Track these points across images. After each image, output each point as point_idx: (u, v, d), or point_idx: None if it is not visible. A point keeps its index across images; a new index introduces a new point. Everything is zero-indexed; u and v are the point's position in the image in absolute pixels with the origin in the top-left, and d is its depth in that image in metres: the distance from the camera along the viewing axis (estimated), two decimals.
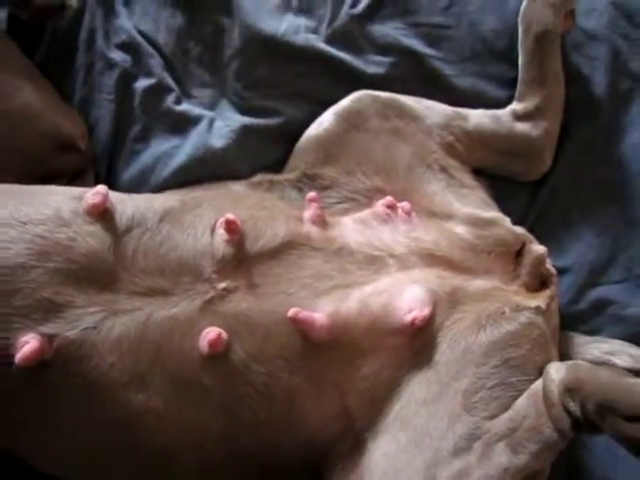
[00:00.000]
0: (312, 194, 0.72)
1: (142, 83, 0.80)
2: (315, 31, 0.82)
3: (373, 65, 0.82)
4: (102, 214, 0.62)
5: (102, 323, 0.59)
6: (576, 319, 0.81)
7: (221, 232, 0.64)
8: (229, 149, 0.78)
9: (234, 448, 0.61)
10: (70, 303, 0.58)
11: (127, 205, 0.64)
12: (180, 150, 0.78)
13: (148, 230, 0.63)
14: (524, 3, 0.84)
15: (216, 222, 0.65)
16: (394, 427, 0.62)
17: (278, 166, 0.79)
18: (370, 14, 0.83)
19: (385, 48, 0.83)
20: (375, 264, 0.67)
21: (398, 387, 0.64)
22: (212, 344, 0.59)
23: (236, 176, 0.78)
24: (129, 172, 0.79)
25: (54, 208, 0.62)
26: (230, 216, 0.64)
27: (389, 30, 0.83)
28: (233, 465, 0.62)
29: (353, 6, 0.83)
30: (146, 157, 0.79)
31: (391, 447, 0.62)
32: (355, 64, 0.81)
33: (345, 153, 0.75)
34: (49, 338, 0.57)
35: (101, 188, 0.63)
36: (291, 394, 0.62)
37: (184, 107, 0.80)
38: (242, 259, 0.63)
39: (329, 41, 0.82)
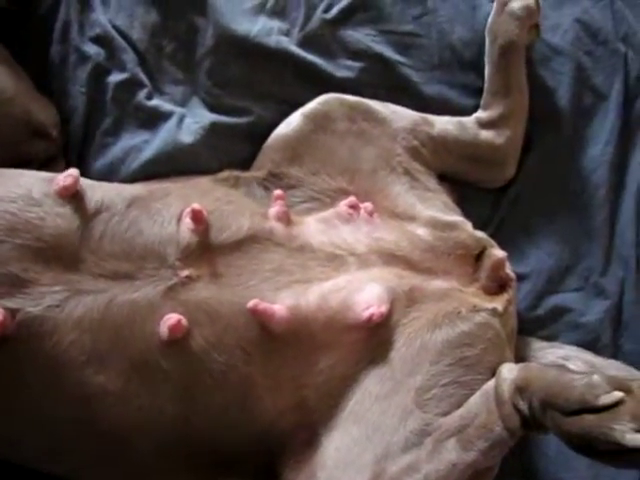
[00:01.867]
0: (278, 192, 0.74)
1: (115, 77, 0.81)
2: (287, 34, 0.84)
3: (343, 69, 0.84)
4: (72, 196, 0.64)
5: (65, 302, 0.60)
6: (534, 324, 0.83)
7: (187, 221, 0.65)
8: (198, 145, 0.80)
9: (189, 433, 0.63)
10: (36, 280, 0.60)
11: (96, 190, 0.66)
12: (149, 144, 0.80)
13: (116, 215, 0.65)
14: (491, 16, 0.87)
15: (182, 211, 0.66)
16: (348, 421, 0.64)
17: (245, 164, 0.81)
18: (342, 19, 0.85)
19: (356, 53, 0.85)
20: (335, 262, 0.69)
21: (354, 382, 0.65)
22: (172, 330, 0.60)
23: (204, 172, 0.80)
24: (99, 163, 0.80)
25: (25, 188, 0.64)
26: (196, 206, 0.66)
27: (360, 36, 0.85)
28: (188, 450, 0.63)
29: (326, 11, 0.85)
30: (116, 150, 0.80)
31: (344, 441, 0.63)
32: (325, 67, 0.84)
33: (311, 154, 0.77)
34: (12, 312, 0.58)
35: (73, 171, 0.66)
36: (247, 384, 0.63)
37: (155, 102, 0.82)
38: (206, 249, 0.65)
39: (301, 44, 0.84)
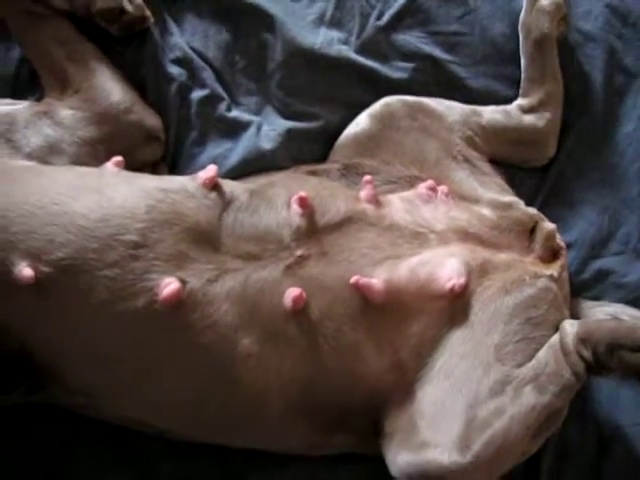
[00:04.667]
0: (368, 177, 0.88)
1: (197, 94, 0.95)
2: (346, 42, 0.98)
3: (398, 71, 0.98)
4: (213, 188, 0.80)
5: (217, 278, 0.76)
6: (581, 287, 0.98)
7: (295, 207, 0.80)
8: (276, 150, 0.94)
9: (310, 393, 0.78)
10: (196, 258, 0.75)
11: (224, 184, 0.82)
12: (233, 152, 0.94)
13: (242, 204, 0.80)
14: (523, 12, 1.01)
15: (290, 198, 0.81)
16: (439, 377, 0.79)
17: (318, 164, 0.95)
18: (393, 25, 0.99)
19: (408, 55, 0.99)
20: (419, 239, 0.84)
21: (440, 344, 0.80)
22: (295, 301, 0.75)
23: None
24: (189, 171, 0.92)
25: (179, 182, 0.80)
26: (302, 193, 0.81)
27: (411, 39, 0.99)
28: (308, 409, 0.79)
29: (378, 18, 0.99)
30: (203, 158, 0.94)
31: (437, 393, 0.78)
32: (382, 71, 0.98)
33: (381, 148, 0.92)
34: (183, 283, 0.74)
35: (212, 166, 0.82)
36: (355, 347, 0.78)
37: (234, 114, 0.96)
38: (313, 230, 0.80)
39: (359, 51, 0.98)
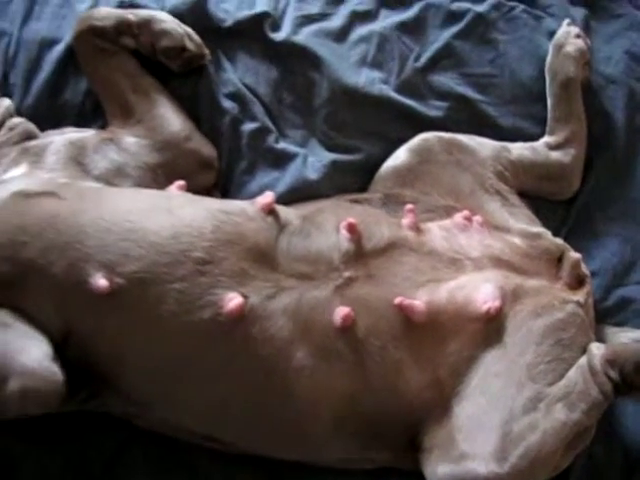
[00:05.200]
0: (410, 206, 0.95)
1: (248, 126, 1.04)
2: (386, 82, 1.07)
3: (433, 109, 1.07)
4: (270, 212, 0.87)
5: (275, 295, 0.83)
6: (605, 314, 1.04)
7: (344, 232, 0.88)
8: (321, 180, 1.02)
9: (355, 407, 0.84)
10: (257, 276, 0.83)
11: (279, 209, 0.89)
12: (281, 181, 1.02)
13: (296, 228, 0.88)
14: (549, 57, 1.10)
15: (339, 224, 0.88)
16: (475, 394, 0.85)
17: (360, 193, 1.02)
18: (430, 67, 1.08)
19: (443, 95, 1.08)
20: (456, 264, 0.91)
21: (476, 363, 0.87)
22: (344, 319, 0.82)
23: None
24: (239, 198, 1.00)
25: (239, 207, 0.88)
26: (351, 219, 0.88)
27: (445, 80, 1.08)
28: (351, 423, 0.85)
29: (416, 60, 1.08)
30: (253, 186, 1.02)
31: (474, 409, 0.84)
32: (419, 109, 1.06)
33: (420, 179, 1.00)
34: (245, 298, 0.81)
35: (269, 192, 0.90)
36: (397, 365, 0.84)
37: (282, 145, 1.04)
38: (360, 254, 0.87)
39: (398, 90, 1.06)
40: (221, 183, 1.03)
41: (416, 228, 0.93)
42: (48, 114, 1.04)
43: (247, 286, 0.82)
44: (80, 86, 1.05)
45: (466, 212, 0.96)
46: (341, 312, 0.83)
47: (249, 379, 0.82)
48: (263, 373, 0.82)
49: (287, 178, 1.02)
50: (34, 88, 1.04)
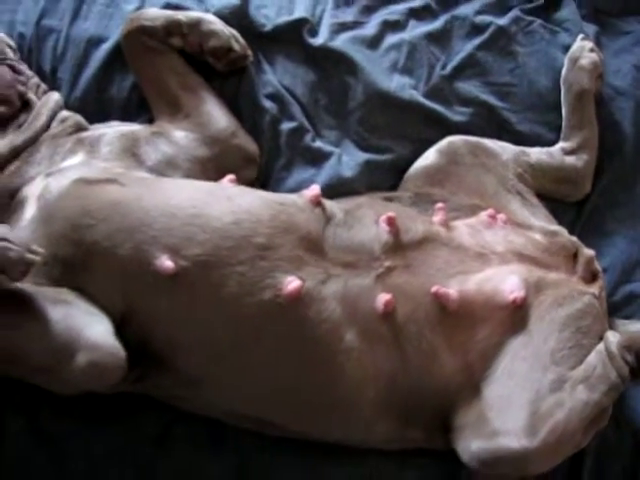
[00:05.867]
0: (440, 204, 1.03)
1: (286, 125, 1.11)
2: (416, 87, 1.15)
3: (458, 114, 1.15)
4: (317, 204, 0.95)
5: (325, 280, 0.90)
6: (613, 308, 1.12)
7: (383, 225, 0.95)
8: (356, 178, 1.10)
9: (395, 387, 0.91)
10: (310, 262, 0.90)
11: (324, 202, 0.97)
12: (317, 178, 1.10)
13: (340, 220, 0.95)
14: (564, 69, 1.20)
15: (378, 218, 0.96)
16: (503, 377, 0.93)
17: (391, 191, 1.10)
18: (455, 75, 1.17)
19: (467, 101, 1.16)
20: (482, 258, 0.99)
21: (503, 348, 0.95)
22: (386, 305, 0.90)
23: None
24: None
25: (290, 198, 0.95)
26: (391, 213, 0.96)
27: (469, 87, 1.17)
28: (391, 403, 0.92)
29: (443, 69, 1.17)
30: (290, 182, 1.10)
31: (503, 390, 0.92)
32: (445, 113, 1.15)
33: (447, 180, 1.08)
34: (302, 281, 0.88)
35: (315, 186, 0.97)
36: (432, 349, 0.92)
37: (318, 144, 1.12)
38: (398, 246, 0.95)
39: (426, 95, 1.15)
40: (261, 179, 1.10)
41: (446, 224, 1.02)
42: (95, 108, 1.10)
43: (302, 271, 0.89)
44: (126, 82, 1.12)
45: (491, 210, 1.05)
46: (383, 299, 0.91)
47: (302, 360, 0.89)
48: (315, 354, 0.89)
49: (323, 175, 1.09)
50: (81, 83, 1.11)
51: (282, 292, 0.87)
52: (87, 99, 1.10)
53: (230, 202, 0.91)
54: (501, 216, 1.05)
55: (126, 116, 1.11)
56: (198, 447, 0.99)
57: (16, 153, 0.97)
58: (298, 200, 0.96)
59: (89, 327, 0.84)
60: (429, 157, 1.09)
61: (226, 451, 0.99)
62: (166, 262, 0.86)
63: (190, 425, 0.99)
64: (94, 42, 1.12)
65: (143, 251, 0.87)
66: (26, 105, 1.02)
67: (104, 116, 1.09)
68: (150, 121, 1.10)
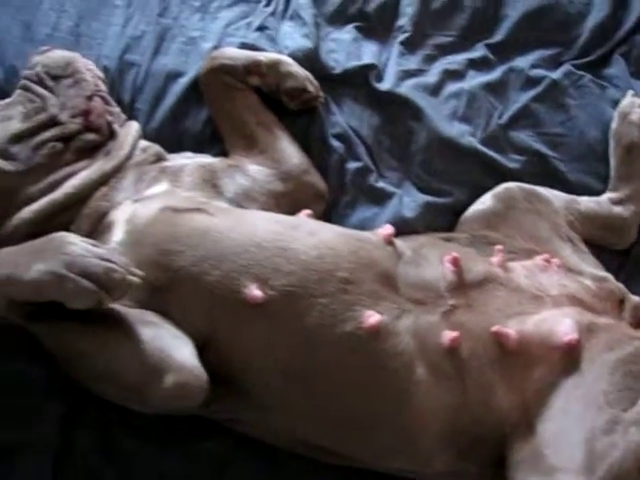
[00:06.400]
0: (500, 246, 1.10)
1: (352, 165, 1.18)
2: (474, 135, 1.22)
3: (512, 162, 1.22)
4: (389, 243, 1.01)
5: (400, 315, 0.96)
6: None
7: (447, 265, 1.01)
8: (416, 219, 1.16)
9: (455, 421, 0.96)
10: (386, 297, 0.96)
11: (394, 240, 1.03)
12: (379, 217, 1.16)
13: (408, 258, 1.02)
14: (613, 123, 1.27)
15: (442, 257, 1.02)
16: (557, 415, 0.98)
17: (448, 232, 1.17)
18: (511, 124, 1.24)
19: (520, 150, 1.23)
20: (538, 301, 1.05)
21: (557, 388, 1.00)
22: (453, 341, 0.95)
23: None
24: None
25: (366, 235, 1.02)
26: (455, 254, 1.02)
27: (523, 137, 1.24)
28: (451, 437, 0.96)
29: (499, 118, 1.24)
30: (353, 220, 1.17)
31: (558, 428, 0.97)
32: (501, 160, 1.21)
33: (503, 223, 1.15)
34: (381, 315, 0.93)
35: (389, 225, 1.04)
36: (491, 385, 0.97)
37: (381, 184, 1.19)
38: (461, 285, 1.01)
39: (483, 143, 1.22)
40: (326, 214, 1.16)
41: (504, 266, 1.08)
42: (170, 139, 1.17)
43: (380, 306, 0.95)
44: (200, 116, 1.19)
45: (546, 255, 1.11)
46: (450, 335, 0.96)
47: (374, 391, 0.94)
48: (388, 385, 0.94)
49: (385, 214, 1.16)
50: (158, 115, 1.18)
51: (363, 325, 0.93)
52: (163, 130, 1.17)
53: (312, 237, 0.97)
54: (555, 260, 1.11)
55: (199, 147, 1.17)
56: (261, 470, 1.03)
57: (105, 179, 1.03)
58: (373, 237, 1.02)
59: (177, 349, 0.89)
60: (486, 201, 1.16)
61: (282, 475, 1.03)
62: (255, 291, 0.92)
63: (251, 449, 1.03)
64: (172, 76, 1.20)
65: (232, 279, 0.93)
66: (112, 134, 1.09)
67: (178, 147, 1.16)
68: (221, 154, 1.17)
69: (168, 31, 1.24)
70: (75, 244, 0.87)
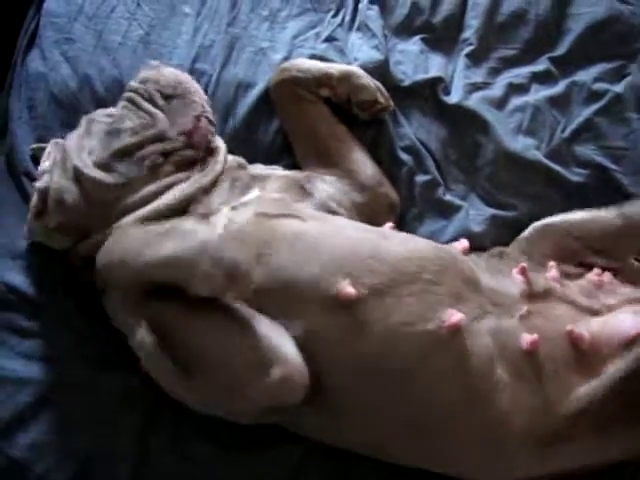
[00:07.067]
0: (553, 262, 1.13)
1: (421, 178, 1.21)
2: (538, 148, 1.24)
3: (576, 175, 1.24)
4: (466, 253, 1.06)
5: (481, 316, 1.00)
6: None
7: (518, 275, 1.06)
8: (483, 233, 1.19)
9: (536, 423, 0.97)
10: (468, 299, 1.00)
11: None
12: (447, 229, 1.19)
13: (484, 266, 1.06)
14: None
15: (511, 268, 1.07)
16: None
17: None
18: (574, 138, 1.26)
19: (583, 163, 1.25)
20: (593, 310, 1.08)
21: None
22: (532, 343, 0.99)
23: None
24: None
25: (448, 247, 1.07)
26: (524, 264, 1.06)
27: (586, 150, 1.25)
28: (533, 439, 0.98)
29: (562, 131, 1.26)
30: (421, 232, 1.19)
31: None
32: (564, 174, 1.23)
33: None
34: (463, 314, 0.97)
35: (464, 240, 1.10)
36: (567, 386, 0.99)
37: (449, 198, 1.21)
38: (531, 294, 1.05)
39: (547, 156, 1.24)
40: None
41: (560, 281, 1.11)
42: (241, 149, 1.18)
43: (462, 306, 0.99)
44: (271, 127, 1.21)
45: (597, 270, 1.14)
46: (529, 338, 1.00)
47: (455, 390, 0.97)
48: (469, 385, 0.97)
49: (452, 228, 1.19)
50: (230, 125, 1.20)
51: (445, 324, 0.96)
52: (235, 140, 1.18)
53: (401, 245, 1.02)
54: (607, 274, 1.14)
55: (269, 158, 1.19)
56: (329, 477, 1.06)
57: (202, 193, 1.05)
58: (451, 249, 1.08)
59: (283, 343, 0.92)
60: (546, 220, 1.17)
61: None
62: (348, 288, 0.95)
63: (322, 455, 1.06)
64: (243, 87, 1.21)
65: (325, 280, 0.96)
66: (211, 150, 1.10)
67: (249, 158, 1.17)
68: (291, 165, 1.19)
69: (237, 40, 1.26)
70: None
